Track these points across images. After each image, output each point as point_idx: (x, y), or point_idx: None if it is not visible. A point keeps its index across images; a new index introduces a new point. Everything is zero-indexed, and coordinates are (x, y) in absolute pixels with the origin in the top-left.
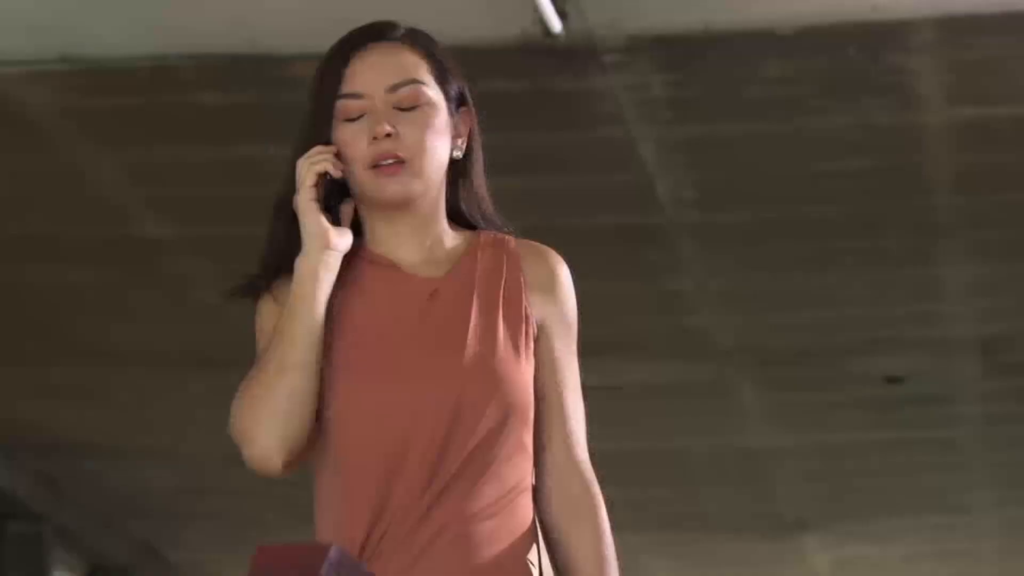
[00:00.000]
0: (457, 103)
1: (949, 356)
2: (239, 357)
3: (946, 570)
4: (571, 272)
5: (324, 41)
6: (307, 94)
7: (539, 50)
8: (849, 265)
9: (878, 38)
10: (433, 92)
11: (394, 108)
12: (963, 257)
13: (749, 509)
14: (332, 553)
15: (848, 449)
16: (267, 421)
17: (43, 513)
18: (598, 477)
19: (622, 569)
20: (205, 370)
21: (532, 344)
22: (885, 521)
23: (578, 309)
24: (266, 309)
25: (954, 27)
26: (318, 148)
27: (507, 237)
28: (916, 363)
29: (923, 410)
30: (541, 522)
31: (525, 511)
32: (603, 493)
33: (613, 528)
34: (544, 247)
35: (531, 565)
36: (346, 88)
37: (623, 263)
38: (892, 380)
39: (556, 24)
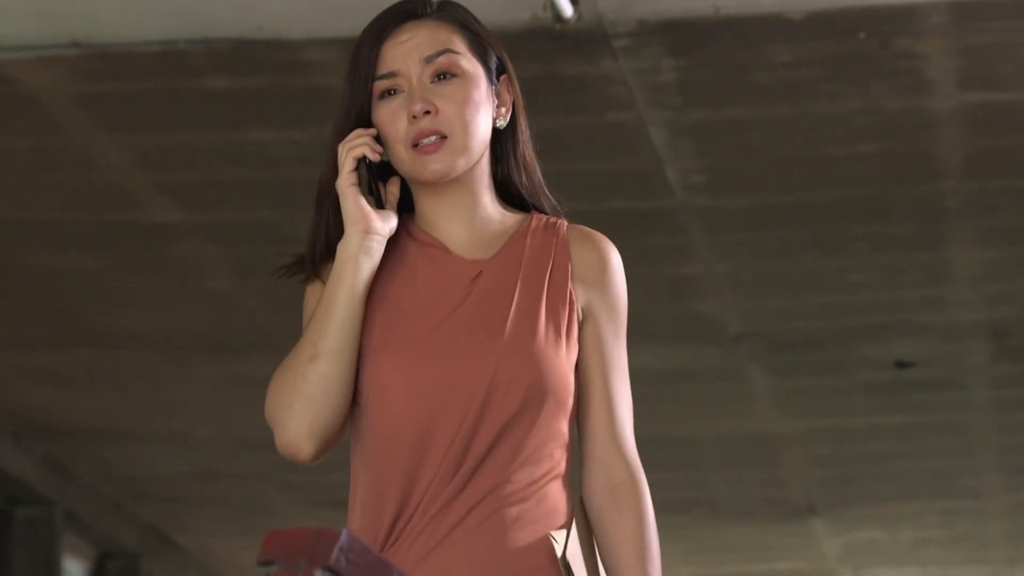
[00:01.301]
0: (497, 72)
1: (959, 341)
2: (248, 342)
3: (955, 554)
4: None
5: (332, 26)
6: (343, 77)
7: (549, 35)
8: (858, 250)
9: (888, 22)
10: (468, 62)
11: (430, 82)
12: (973, 242)
13: (758, 494)
14: (343, 538)
15: (857, 434)
16: (297, 408)
17: (52, 498)
18: None
19: None
20: (214, 355)
21: (576, 330)
22: (894, 506)
23: None
24: (312, 293)
25: (964, 11)
26: (357, 131)
27: (559, 221)
28: (926, 348)
29: (932, 395)
30: (587, 509)
31: (557, 498)
32: None
33: None
34: (595, 232)
35: (554, 541)
36: (381, 69)
37: (632, 248)
38: (902, 365)
39: (567, 9)
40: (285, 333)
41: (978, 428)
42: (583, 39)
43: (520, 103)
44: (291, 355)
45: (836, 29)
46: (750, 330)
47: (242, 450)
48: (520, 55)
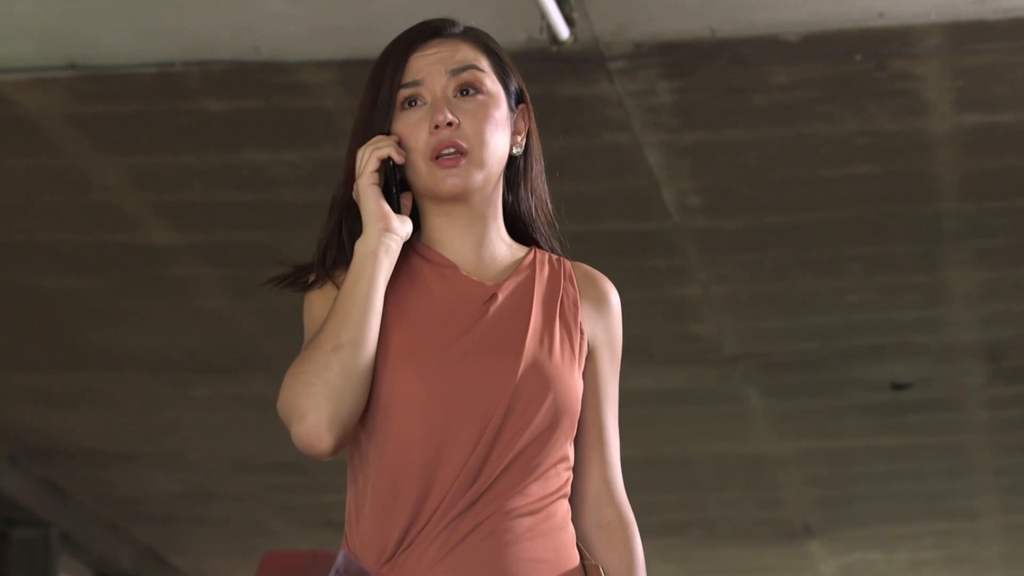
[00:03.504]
0: (516, 100)
1: (955, 362)
2: (244, 363)
3: (952, 575)
4: None
5: (328, 48)
6: (364, 89)
7: (546, 57)
8: (855, 271)
9: (884, 44)
10: (491, 82)
11: (454, 96)
12: (969, 262)
13: (755, 515)
14: (339, 560)
15: (854, 455)
16: (319, 398)
17: (48, 519)
18: None
19: None
20: (210, 376)
21: (584, 359)
22: (891, 527)
23: None
24: (320, 298)
25: (960, 33)
26: (380, 136)
27: (562, 259)
28: (922, 369)
29: (929, 416)
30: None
31: (564, 516)
32: None
33: None
34: (598, 272)
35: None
36: (406, 77)
37: (629, 269)
38: (898, 386)
39: (563, 31)
40: (281, 354)
41: (974, 449)
42: (579, 61)
43: (535, 134)
44: (309, 347)
45: (832, 51)
46: (746, 351)
47: (238, 471)
48: None
